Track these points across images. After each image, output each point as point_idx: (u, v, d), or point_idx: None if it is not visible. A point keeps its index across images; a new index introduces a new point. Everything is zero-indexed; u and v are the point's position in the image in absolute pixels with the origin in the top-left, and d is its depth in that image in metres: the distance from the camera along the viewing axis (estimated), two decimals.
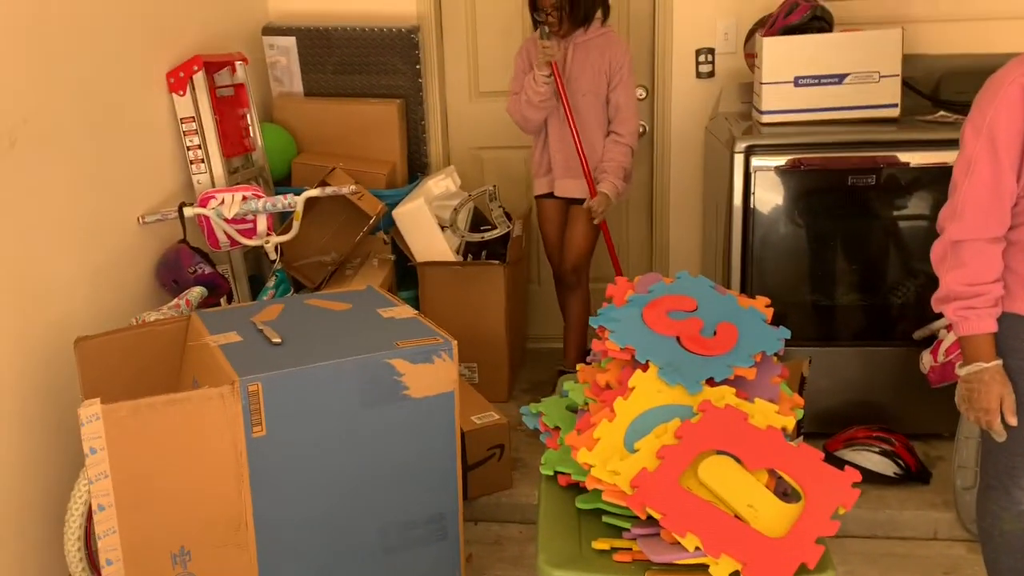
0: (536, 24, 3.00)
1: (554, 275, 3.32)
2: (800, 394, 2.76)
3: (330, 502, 1.94)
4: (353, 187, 2.84)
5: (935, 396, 2.65)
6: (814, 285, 2.89)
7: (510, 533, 2.60)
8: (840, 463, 2.63)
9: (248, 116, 3.18)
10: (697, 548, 1.55)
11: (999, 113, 1.68)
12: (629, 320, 1.99)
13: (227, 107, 3.06)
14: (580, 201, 3.13)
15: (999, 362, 1.75)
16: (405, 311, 2.22)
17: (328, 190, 2.78)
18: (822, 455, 1.70)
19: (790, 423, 1.79)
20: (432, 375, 2.00)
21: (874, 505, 2.58)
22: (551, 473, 1.87)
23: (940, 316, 2.27)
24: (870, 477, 2.65)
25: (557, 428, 2.01)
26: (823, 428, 2.81)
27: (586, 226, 3.13)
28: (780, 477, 1.68)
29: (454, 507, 2.10)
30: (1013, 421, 1.74)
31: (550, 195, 3.20)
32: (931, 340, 2.68)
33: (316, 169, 3.24)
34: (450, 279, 3.21)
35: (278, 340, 2.01)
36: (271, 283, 2.83)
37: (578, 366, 2.14)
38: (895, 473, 2.65)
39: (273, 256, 2.80)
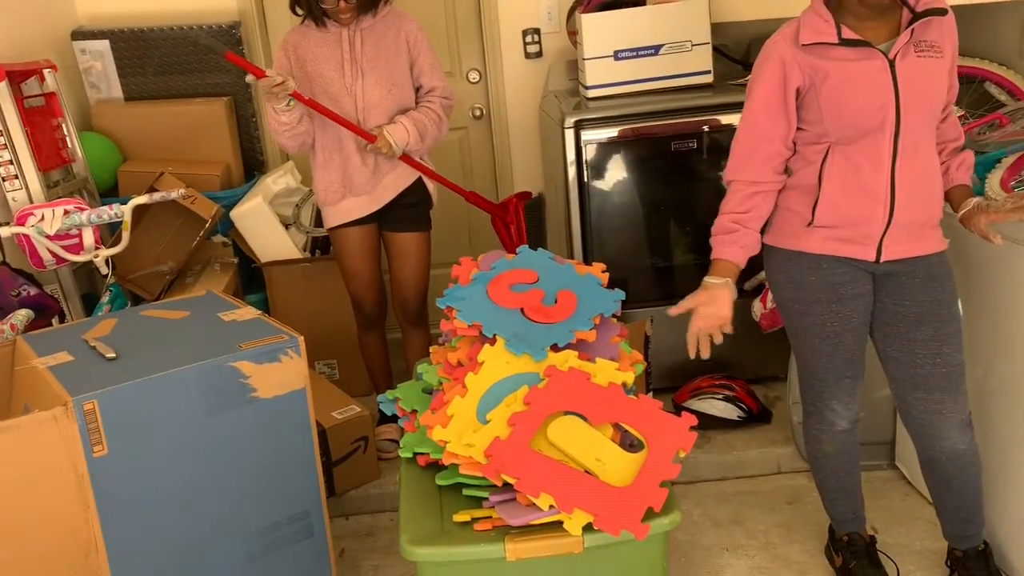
0: (312, 14, 2.50)
1: (364, 315, 2.80)
2: (645, 352, 2.91)
3: (186, 515, 1.89)
4: (183, 191, 2.75)
5: (768, 341, 2.84)
6: (651, 248, 3.02)
7: (382, 523, 2.61)
8: (689, 413, 2.79)
9: (64, 126, 3.01)
10: (551, 506, 1.61)
11: (761, 71, 1.84)
12: (475, 297, 2.03)
13: (39, 118, 2.89)
14: (404, 226, 2.68)
15: (723, 280, 1.92)
16: (247, 312, 2.18)
17: (156, 196, 2.68)
18: (660, 404, 1.80)
19: (630, 378, 1.88)
20: (280, 374, 1.97)
21: (722, 449, 2.75)
22: (410, 455, 1.90)
23: None
24: (716, 423, 2.82)
25: (414, 411, 2.03)
26: (671, 382, 2.96)
27: (424, 251, 2.74)
28: (624, 429, 1.76)
29: (317, 503, 2.09)
30: (706, 342, 1.93)
31: (355, 222, 2.66)
32: (760, 289, 2.86)
33: (144, 176, 3.11)
34: (299, 277, 3.16)
35: (112, 355, 1.93)
36: (106, 299, 2.70)
37: (431, 348, 2.17)
38: (739, 416, 2.82)
39: (105, 270, 2.68)
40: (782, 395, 2.96)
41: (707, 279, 1.95)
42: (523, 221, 3.10)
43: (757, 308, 2.81)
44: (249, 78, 2.48)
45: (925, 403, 1.92)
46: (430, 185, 2.75)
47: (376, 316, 2.82)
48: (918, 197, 1.82)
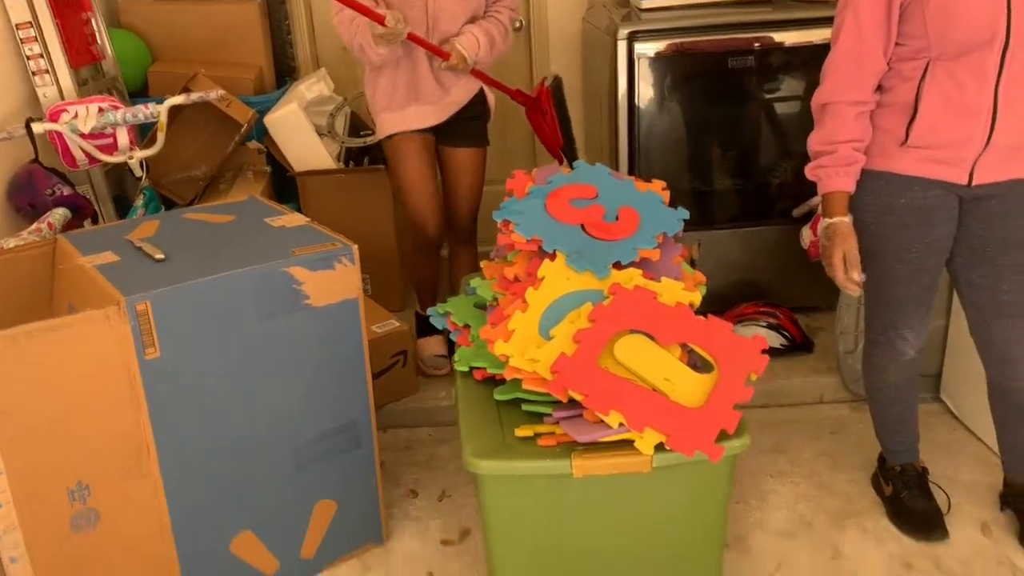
0: None
1: (425, 238, 2.63)
2: None
3: (237, 421, 1.85)
4: (220, 92, 2.65)
5: (815, 271, 2.73)
6: (698, 170, 2.93)
7: (420, 437, 2.59)
8: None
9: (93, 20, 2.89)
10: (621, 424, 1.57)
11: None
12: (532, 211, 1.96)
13: (68, 10, 2.76)
14: (462, 140, 2.60)
15: (844, 218, 1.84)
16: (296, 219, 2.11)
17: (193, 96, 2.58)
18: (731, 326, 1.74)
19: (696, 299, 1.82)
20: (334, 282, 1.91)
21: (764, 376, 2.67)
22: (466, 369, 1.85)
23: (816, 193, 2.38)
24: None
25: (467, 325, 1.98)
26: (714, 308, 2.87)
27: (480, 168, 2.66)
28: (692, 350, 1.71)
29: (366, 415, 2.05)
30: (856, 277, 1.83)
31: (415, 131, 2.55)
32: (809, 216, 2.78)
33: (175, 77, 2.99)
34: (333, 188, 3.08)
35: (161, 256, 1.86)
36: (139, 202, 2.63)
37: (482, 263, 2.11)
38: (781, 344, 2.78)
39: (139, 172, 2.60)
40: (825, 326, 2.91)
41: (833, 223, 1.85)
42: (553, 108, 2.90)
43: (806, 235, 2.74)
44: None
45: (1007, 331, 1.86)
46: (490, 98, 2.66)
47: (438, 237, 2.64)
48: (1020, 117, 1.72)
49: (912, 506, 2.10)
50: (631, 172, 2.88)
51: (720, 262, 2.95)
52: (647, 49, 2.74)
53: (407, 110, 2.53)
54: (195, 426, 1.80)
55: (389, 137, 2.57)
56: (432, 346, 2.84)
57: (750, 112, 2.86)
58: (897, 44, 1.75)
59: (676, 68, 2.77)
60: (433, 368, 2.79)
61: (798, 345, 2.80)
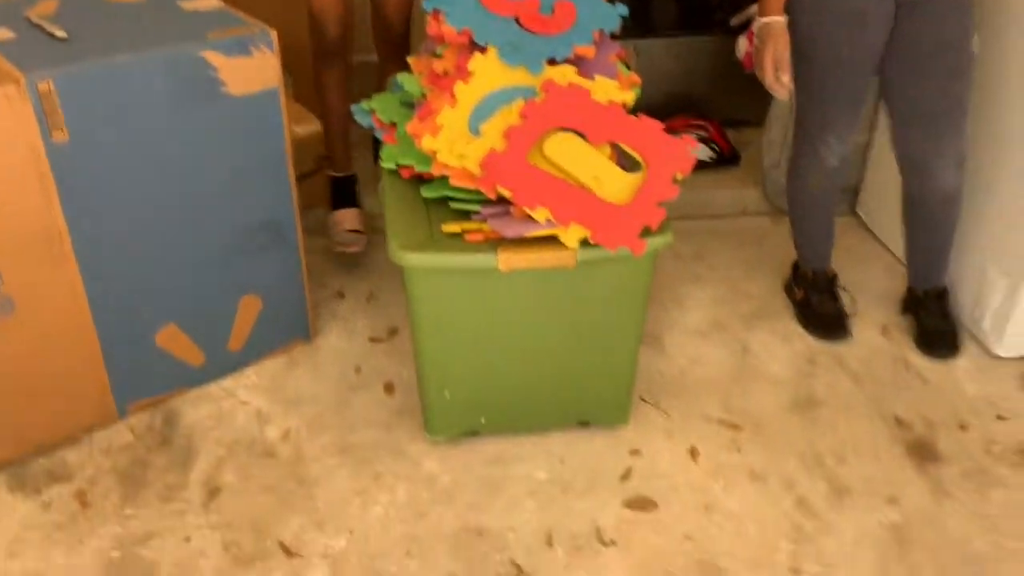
0: None
1: (325, 41, 2.30)
2: None
3: (156, 213, 1.80)
4: None
5: (749, 84, 2.72)
6: None
7: None
8: None
9: None
10: (548, 220, 1.57)
11: None
12: (464, 1, 1.87)
13: None
14: None
15: (778, 18, 1.82)
16: (209, 2, 1.97)
17: None
18: (662, 126, 1.73)
19: (630, 98, 1.80)
20: (252, 69, 1.81)
21: (690, 187, 2.69)
22: (393, 167, 1.81)
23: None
24: None
25: (393, 124, 1.92)
26: None
27: None
28: (622, 150, 1.70)
29: (290, 212, 2.01)
30: (785, 79, 1.84)
31: None
32: (746, 26, 2.73)
33: None
34: None
35: (63, 34, 1.73)
36: None
37: (410, 58, 2.02)
38: (710, 157, 2.79)
39: None
40: (753, 140, 2.92)
41: (767, 22, 1.83)
42: None
43: (742, 45, 2.69)
44: None
45: (926, 138, 1.90)
46: None
47: (338, 40, 2.31)
48: None
49: (820, 309, 2.21)
50: None
51: (655, 72, 2.90)
52: None
53: None
54: (112, 216, 1.74)
55: None
56: (347, 219, 2.46)
57: None
58: None
59: None
60: (344, 244, 2.42)
61: (726, 158, 2.82)
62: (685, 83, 2.94)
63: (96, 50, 1.66)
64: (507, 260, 1.59)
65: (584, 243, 1.58)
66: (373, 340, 2.20)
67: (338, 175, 2.51)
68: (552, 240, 1.60)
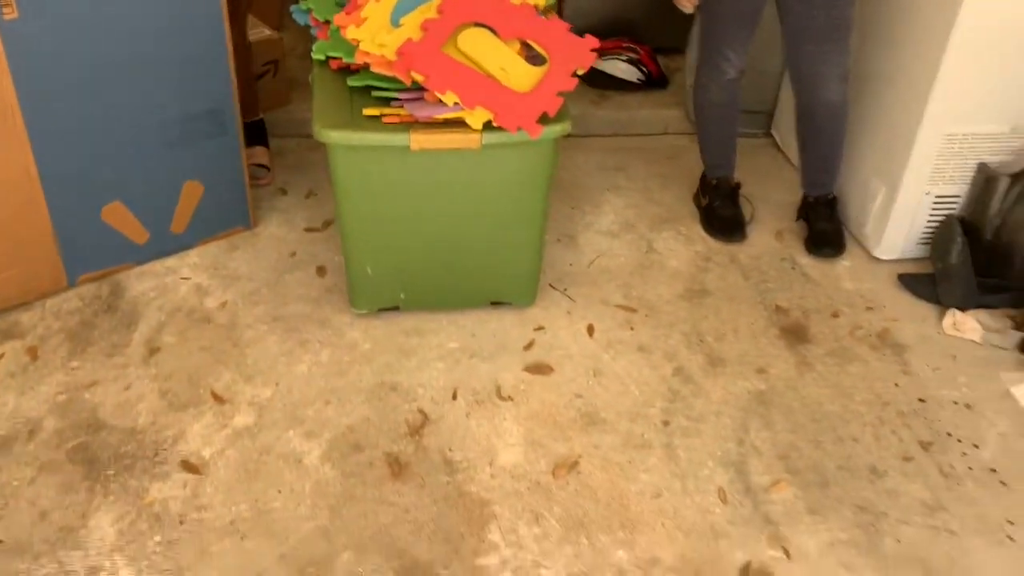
0: None
1: None
2: (560, 13, 2.96)
3: (103, 93, 1.95)
4: None
5: (676, 12, 2.92)
6: None
7: (290, 145, 2.72)
8: (593, 72, 2.92)
9: None
10: (456, 103, 1.75)
11: None
12: None
13: None
14: None
15: None
16: None
17: None
18: (568, 26, 1.90)
19: (541, 1, 1.96)
20: None
21: (616, 107, 2.92)
22: (322, 58, 1.97)
23: None
24: (617, 84, 2.97)
25: (327, 21, 2.08)
26: None
27: None
28: (531, 47, 1.88)
29: (230, 103, 2.17)
30: None
31: None
32: None
33: None
34: None
35: None
36: None
37: None
38: (638, 79, 2.97)
39: None
40: (682, 67, 3.10)
41: None
42: None
43: None
44: None
45: (813, 54, 2.10)
46: None
47: (239, 17, 2.34)
48: None
49: (720, 213, 2.41)
50: None
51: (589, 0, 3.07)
52: None
53: None
54: (61, 93, 1.89)
55: None
56: (257, 154, 2.54)
57: None
58: None
59: None
60: (257, 179, 2.51)
61: (654, 81, 3.00)
62: (621, 10, 3.10)
63: None
64: (418, 140, 1.77)
65: (488, 127, 1.76)
66: (309, 230, 2.38)
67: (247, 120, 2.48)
68: (460, 124, 1.78)
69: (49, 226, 2.03)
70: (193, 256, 2.25)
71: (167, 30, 1.98)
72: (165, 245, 2.23)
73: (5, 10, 1.75)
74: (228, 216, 2.31)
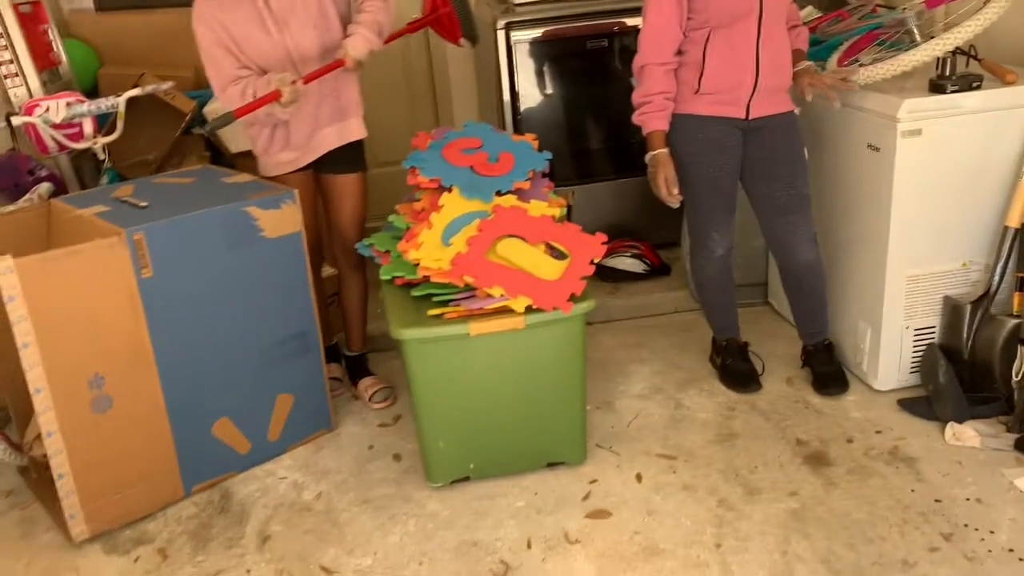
0: None
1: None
2: (570, 220, 3.49)
3: (215, 327, 2.40)
4: (170, 83, 3.16)
5: (667, 212, 3.44)
6: (572, 135, 3.58)
7: None
8: (605, 268, 3.39)
9: (50, 31, 3.36)
10: (502, 295, 2.18)
11: None
12: (433, 159, 2.57)
13: (29, 23, 3.24)
14: (341, 167, 2.69)
15: (663, 150, 2.48)
16: (244, 176, 2.66)
17: (149, 88, 3.09)
18: (580, 228, 2.37)
19: (557, 212, 2.45)
20: (281, 219, 2.47)
21: (630, 295, 3.38)
22: (389, 278, 2.44)
23: None
24: (626, 276, 3.44)
25: (387, 252, 2.56)
26: None
27: (361, 191, 2.76)
28: (553, 246, 2.34)
29: (313, 326, 2.61)
30: (675, 191, 2.48)
31: (298, 169, 2.65)
32: None
33: (123, 78, 3.48)
34: None
35: (145, 204, 2.40)
36: (104, 180, 3.12)
37: (397, 206, 2.67)
38: (643, 270, 3.45)
39: (102, 156, 3.08)
40: (678, 255, 3.59)
41: (655, 154, 2.48)
42: (450, 4, 2.99)
43: None
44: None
45: (783, 225, 2.55)
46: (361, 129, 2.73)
47: (316, 260, 2.73)
48: (775, 67, 2.42)
49: (735, 368, 2.77)
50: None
51: (595, 209, 3.61)
52: (522, 36, 3.37)
53: (281, 155, 2.64)
54: (181, 330, 2.34)
55: (274, 176, 2.66)
56: (332, 370, 2.87)
57: (610, 84, 3.53)
58: (688, 18, 2.42)
59: (546, 51, 3.42)
60: (332, 390, 2.80)
61: (657, 269, 3.47)
62: (621, 216, 3.63)
63: (171, 211, 2.33)
64: (476, 327, 2.18)
65: (529, 310, 2.18)
66: (382, 426, 2.75)
67: (351, 353, 2.94)
68: (507, 312, 2.20)
69: (172, 446, 2.40)
70: (287, 459, 2.61)
71: (262, 272, 2.46)
72: (263, 452, 2.58)
73: (143, 271, 2.24)
74: (313, 421, 2.69)
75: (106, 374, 2.24)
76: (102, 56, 3.67)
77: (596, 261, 2.31)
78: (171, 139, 3.41)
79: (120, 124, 3.08)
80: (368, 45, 2.53)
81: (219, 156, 3.67)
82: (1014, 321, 2.45)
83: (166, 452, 2.39)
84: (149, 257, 2.24)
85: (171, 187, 2.60)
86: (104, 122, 3.28)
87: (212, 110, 3.52)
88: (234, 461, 2.53)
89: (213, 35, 2.51)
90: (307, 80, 2.48)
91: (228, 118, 2.43)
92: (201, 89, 3.71)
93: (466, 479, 2.41)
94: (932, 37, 2.43)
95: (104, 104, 3.03)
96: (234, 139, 3.58)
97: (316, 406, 2.68)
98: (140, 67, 3.57)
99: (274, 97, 2.42)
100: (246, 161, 3.59)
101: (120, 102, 3.05)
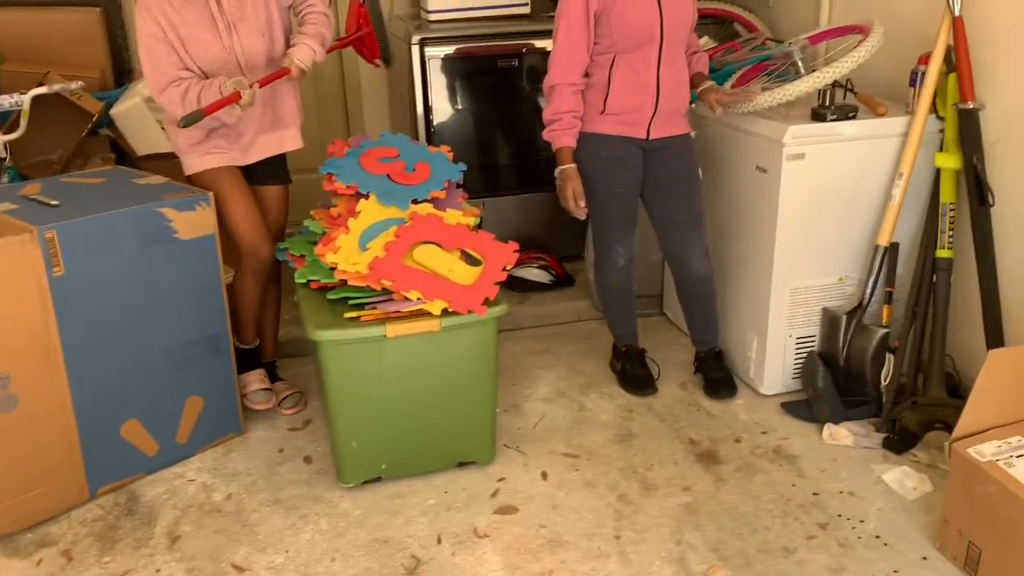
0: None
1: (260, 260, 2.68)
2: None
3: (125, 328, 2.39)
4: (79, 83, 3.12)
5: (577, 227, 3.60)
6: (482, 149, 3.70)
7: None
8: (513, 279, 3.51)
9: None
10: (419, 298, 2.27)
11: (568, 2, 2.52)
12: (350, 166, 2.63)
13: None
14: (269, 179, 2.73)
15: (571, 165, 2.64)
16: (157, 179, 2.66)
17: (56, 86, 3.04)
18: (493, 236, 2.49)
19: (471, 221, 2.56)
20: (196, 221, 2.49)
21: (536, 304, 3.51)
22: (304, 281, 2.48)
23: None
24: (533, 286, 3.58)
25: (302, 256, 2.61)
26: None
27: (286, 204, 2.81)
28: (467, 253, 2.44)
29: (224, 329, 2.63)
30: (582, 204, 2.63)
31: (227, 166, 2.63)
32: None
33: (24, 76, 3.40)
34: (174, 169, 3.57)
35: (56, 203, 2.38)
36: (5, 179, 3.05)
37: (312, 211, 2.72)
38: (550, 280, 3.59)
39: (3, 154, 3.02)
40: (582, 268, 3.75)
41: (564, 168, 2.62)
42: (371, 23, 3.12)
43: None
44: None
45: (679, 239, 2.73)
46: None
47: (271, 257, 2.70)
48: (674, 92, 2.60)
49: (632, 373, 2.94)
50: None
51: (503, 222, 3.72)
52: (435, 52, 3.48)
53: (215, 151, 2.63)
54: (92, 330, 2.33)
55: (206, 170, 2.61)
56: (253, 381, 2.86)
57: (520, 102, 3.67)
58: (595, 43, 2.58)
59: (458, 68, 3.53)
60: (256, 402, 2.83)
61: (562, 280, 3.62)
62: (528, 229, 3.77)
63: (83, 210, 2.32)
64: (393, 329, 2.26)
65: (445, 313, 2.28)
66: (292, 430, 2.78)
67: (245, 346, 2.85)
68: (423, 314, 2.29)
69: (78, 447, 2.37)
70: (195, 461, 2.61)
71: (175, 273, 2.46)
72: (172, 455, 2.58)
73: (55, 269, 2.22)
74: (223, 424, 2.69)
75: (12, 373, 2.21)
76: (2, 52, 3.57)
77: (508, 268, 2.42)
78: (76, 140, 3.35)
79: (24, 122, 3.02)
80: (312, 56, 2.58)
81: (124, 158, 3.62)
82: (883, 331, 2.70)
83: (72, 453, 2.36)
84: (61, 256, 2.23)
85: (81, 187, 2.58)
86: (5, 120, 3.21)
87: (120, 111, 3.49)
88: (142, 463, 2.52)
89: (157, 30, 2.45)
90: (261, 85, 2.50)
91: (199, 115, 2.39)
92: (107, 90, 3.67)
93: (378, 479, 2.47)
94: (815, 70, 2.67)
95: (7, 101, 2.97)
96: (143, 143, 3.55)
97: (225, 409, 2.69)
98: (42, 65, 3.50)
99: (234, 99, 2.42)
100: (152, 163, 3.56)
101: (25, 100, 3.00)
